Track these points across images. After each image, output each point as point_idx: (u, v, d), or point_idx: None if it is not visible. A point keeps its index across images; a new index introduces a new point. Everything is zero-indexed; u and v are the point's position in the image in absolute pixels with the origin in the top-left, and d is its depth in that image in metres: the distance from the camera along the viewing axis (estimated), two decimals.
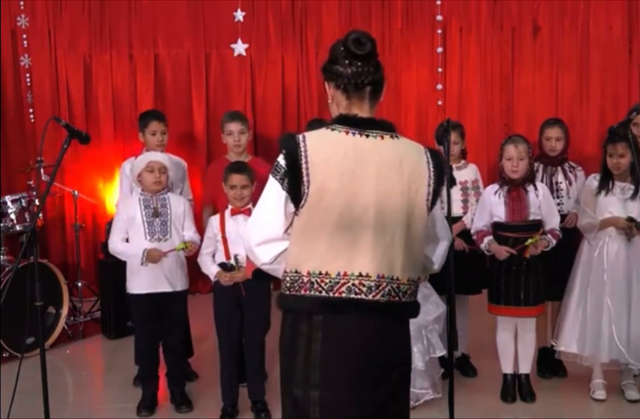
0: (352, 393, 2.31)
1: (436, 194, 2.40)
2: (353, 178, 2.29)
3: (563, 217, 4.62)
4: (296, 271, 2.33)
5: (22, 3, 6.76)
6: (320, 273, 2.29)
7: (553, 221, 4.41)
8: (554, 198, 4.59)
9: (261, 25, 6.96)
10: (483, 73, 6.98)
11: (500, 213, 4.38)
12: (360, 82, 2.36)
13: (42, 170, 5.86)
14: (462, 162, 4.93)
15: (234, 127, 4.85)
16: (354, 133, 2.34)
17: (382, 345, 2.33)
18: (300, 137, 2.34)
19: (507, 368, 4.52)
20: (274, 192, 2.35)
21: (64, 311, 5.59)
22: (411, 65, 6.98)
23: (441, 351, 4.35)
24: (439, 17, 6.85)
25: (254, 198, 2.96)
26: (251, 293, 4.14)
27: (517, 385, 4.51)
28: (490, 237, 4.37)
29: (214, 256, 4.22)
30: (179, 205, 4.37)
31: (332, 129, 2.36)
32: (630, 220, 4.25)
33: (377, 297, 2.30)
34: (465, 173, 4.87)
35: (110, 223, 5.13)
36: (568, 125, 4.98)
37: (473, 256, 4.73)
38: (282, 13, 6.95)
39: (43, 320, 4.22)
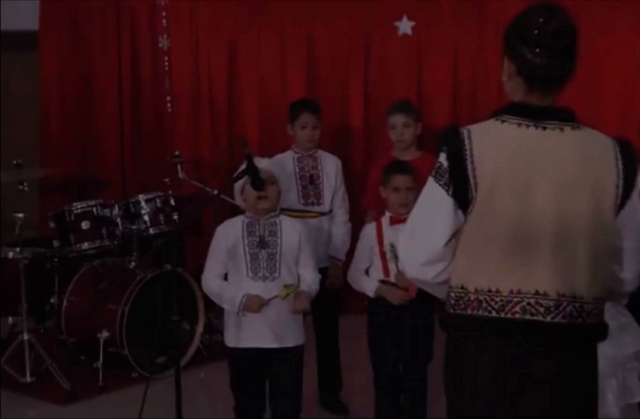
0: None
1: (625, 198, 2.34)
2: (527, 182, 2.27)
3: None
4: (462, 287, 2.33)
5: None
6: (489, 291, 2.28)
7: None
8: None
9: None
10: None
11: None
12: (548, 76, 2.34)
13: (179, 167, 6.02)
14: None
15: (397, 120, 4.86)
16: (527, 126, 2.31)
17: (561, 376, 2.28)
18: (465, 131, 2.32)
19: None
20: (437, 199, 2.35)
21: (199, 327, 5.66)
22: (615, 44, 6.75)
23: None
24: None
25: None
26: (414, 316, 4.12)
27: None
28: None
29: (367, 272, 4.21)
30: (293, 234, 3.94)
31: (502, 121, 2.34)
32: None
33: (557, 319, 2.26)
34: None
35: None
36: None
37: None
38: None
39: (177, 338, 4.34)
